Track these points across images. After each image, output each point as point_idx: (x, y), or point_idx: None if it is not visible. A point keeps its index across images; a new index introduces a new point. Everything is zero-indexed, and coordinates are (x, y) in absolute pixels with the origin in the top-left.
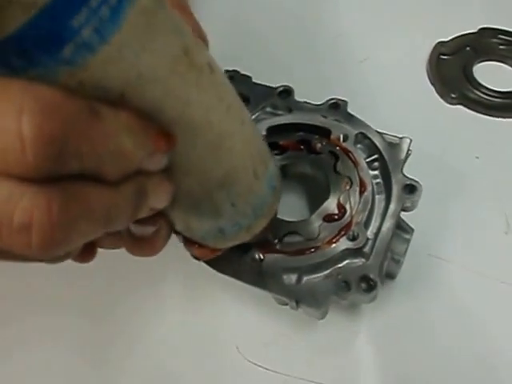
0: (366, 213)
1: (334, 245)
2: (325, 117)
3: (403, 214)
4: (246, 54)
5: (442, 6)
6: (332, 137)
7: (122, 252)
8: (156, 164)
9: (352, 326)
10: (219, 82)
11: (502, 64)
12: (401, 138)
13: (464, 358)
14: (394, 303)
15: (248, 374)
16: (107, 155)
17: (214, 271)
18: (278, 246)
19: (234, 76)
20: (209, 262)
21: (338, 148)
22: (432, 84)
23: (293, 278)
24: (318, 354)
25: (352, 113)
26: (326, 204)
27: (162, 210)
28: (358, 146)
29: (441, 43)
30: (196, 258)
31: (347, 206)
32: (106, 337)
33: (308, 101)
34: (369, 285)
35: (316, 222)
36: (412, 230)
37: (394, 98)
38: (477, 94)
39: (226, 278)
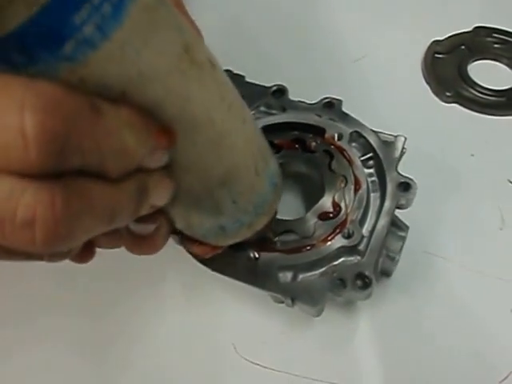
0: (361, 211)
1: (329, 243)
2: (319, 116)
3: (398, 212)
4: (238, 52)
5: (437, 5)
6: (326, 135)
7: (121, 252)
8: (157, 161)
9: (348, 323)
10: (220, 79)
11: (496, 63)
12: (395, 137)
13: (460, 354)
14: (390, 300)
15: (245, 373)
16: (109, 152)
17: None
18: (273, 245)
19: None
20: (204, 262)
21: (332, 147)
22: (427, 83)
23: (288, 275)
24: (315, 351)
25: (347, 111)
26: (321, 202)
27: (163, 208)
28: (353, 144)
29: (436, 42)
30: (195, 255)
31: (342, 204)
32: (106, 337)
33: (302, 100)
34: (364, 282)
35: (311, 220)
36: (407, 227)
37: (388, 96)
38: (472, 93)
39: (223, 277)
